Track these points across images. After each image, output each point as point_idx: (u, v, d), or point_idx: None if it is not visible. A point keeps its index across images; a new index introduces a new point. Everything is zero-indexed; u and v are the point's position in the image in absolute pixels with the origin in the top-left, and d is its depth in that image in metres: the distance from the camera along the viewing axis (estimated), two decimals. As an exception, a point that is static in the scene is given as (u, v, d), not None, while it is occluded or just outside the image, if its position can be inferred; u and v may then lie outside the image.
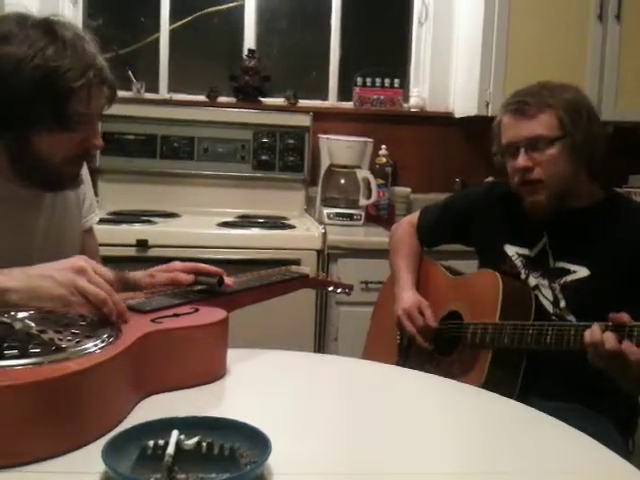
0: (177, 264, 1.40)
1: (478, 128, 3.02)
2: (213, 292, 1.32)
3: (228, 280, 1.36)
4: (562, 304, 1.62)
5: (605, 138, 1.65)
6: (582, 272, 1.61)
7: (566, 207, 1.65)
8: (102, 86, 1.30)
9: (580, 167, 1.63)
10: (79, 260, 1.11)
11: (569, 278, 1.62)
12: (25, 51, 1.20)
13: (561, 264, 1.64)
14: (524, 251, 1.70)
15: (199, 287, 1.34)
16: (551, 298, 1.64)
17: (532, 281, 1.67)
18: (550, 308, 1.63)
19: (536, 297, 1.64)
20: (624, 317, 1.36)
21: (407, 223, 2.00)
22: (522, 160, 1.61)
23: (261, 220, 2.85)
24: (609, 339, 1.35)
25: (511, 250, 1.72)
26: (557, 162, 1.60)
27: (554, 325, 1.52)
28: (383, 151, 3.18)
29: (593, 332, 1.37)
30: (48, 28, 1.25)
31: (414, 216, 2.01)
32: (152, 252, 2.42)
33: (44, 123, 1.25)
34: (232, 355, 1.19)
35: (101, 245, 1.69)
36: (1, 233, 1.33)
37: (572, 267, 1.62)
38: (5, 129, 1.25)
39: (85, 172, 1.47)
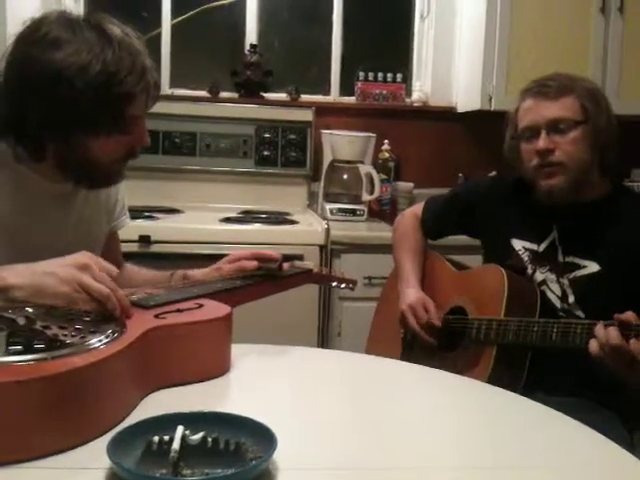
0: (240, 253, 1.49)
1: (481, 123, 3.03)
2: (273, 275, 1.43)
3: (285, 265, 1.47)
4: (571, 299, 1.61)
5: (618, 132, 1.64)
6: (592, 267, 1.60)
7: (576, 200, 1.64)
8: (155, 86, 1.31)
9: (595, 157, 1.62)
10: (83, 256, 1.10)
11: (579, 273, 1.61)
12: (85, 56, 1.20)
13: (571, 259, 1.63)
14: (532, 246, 1.69)
15: (261, 272, 1.43)
16: (559, 293, 1.63)
17: (539, 276, 1.66)
18: (557, 303, 1.63)
19: (543, 292, 1.64)
20: (629, 316, 1.36)
21: (411, 215, 1.98)
22: (543, 142, 1.59)
23: (264, 215, 2.85)
24: (613, 336, 1.35)
25: (518, 244, 1.71)
26: (578, 146, 1.59)
27: (559, 322, 1.51)
28: (386, 146, 3.17)
29: (604, 332, 1.37)
30: (100, 29, 1.24)
31: (418, 208, 1.99)
32: (155, 248, 2.42)
33: (102, 127, 1.25)
34: (236, 350, 1.18)
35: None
36: (35, 230, 1.33)
37: (582, 262, 1.61)
38: (61, 132, 1.25)
39: None
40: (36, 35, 1.23)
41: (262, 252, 1.48)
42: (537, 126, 1.61)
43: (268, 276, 1.43)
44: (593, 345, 1.38)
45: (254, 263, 1.44)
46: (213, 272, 1.47)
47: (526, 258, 1.69)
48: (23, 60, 1.23)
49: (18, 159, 1.28)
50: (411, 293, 1.77)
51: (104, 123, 1.25)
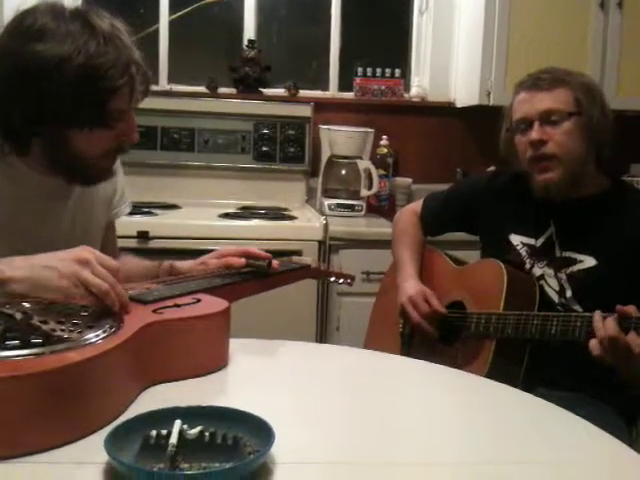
0: (227, 249, 1.46)
1: (480, 118, 3.03)
2: (263, 274, 1.41)
3: (275, 263, 1.42)
4: (568, 294, 1.61)
5: (613, 126, 1.64)
6: (589, 262, 1.60)
7: (573, 195, 1.64)
8: (141, 81, 1.29)
9: (590, 151, 1.62)
10: (83, 251, 1.10)
11: (576, 268, 1.61)
12: (67, 48, 1.18)
13: (568, 253, 1.63)
14: (529, 241, 1.69)
15: (248, 269, 1.41)
16: (557, 288, 1.63)
17: (537, 271, 1.66)
18: (556, 298, 1.63)
19: (541, 287, 1.64)
20: (630, 309, 1.36)
21: (410, 211, 1.99)
22: (536, 133, 1.60)
23: (262, 211, 2.85)
24: (611, 327, 1.35)
25: (516, 239, 1.71)
26: (571, 138, 1.59)
27: (559, 315, 1.51)
28: (384, 141, 3.17)
29: (602, 323, 1.37)
30: (85, 21, 1.22)
31: (417, 204, 2.00)
32: (153, 243, 2.42)
33: (84, 121, 1.23)
34: (234, 345, 1.18)
35: (102, 236, 1.68)
36: (28, 226, 1.32)
37: (579, 257, 1.61)
38: (44, 126, 1.24)
39: (117, 162, 1.46)
40: (21, 26, 1.22)
41: (251, 250, 1.45)
42: (530, 118, 1.61)
43: (257, 274, 1.41)
44: (593, 342, 1.38)
45: (242, 260, 1.42)
46: (198, 266, 1.45)
47: (524, 253, 1.69)
48: (6, 51, 1.22)
49: (8, 153, 1.28)
50: (411, 286, 1.77)
51: (86, 117, 1.23)
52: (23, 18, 1.23)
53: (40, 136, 1.26)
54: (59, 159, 1.28)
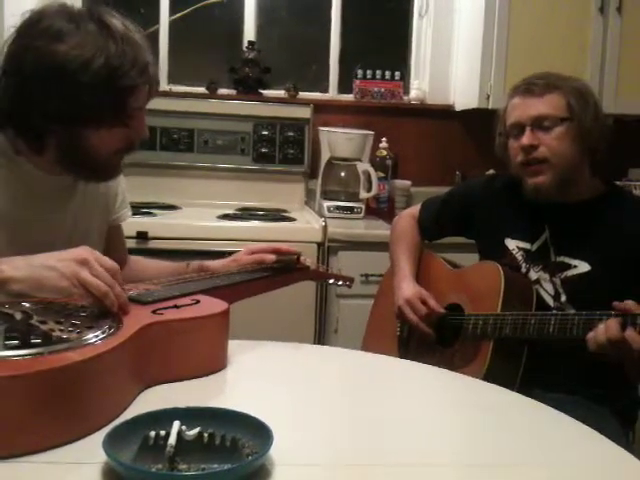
0: (259, 246, 1.54)
1: (479, 121, 3.01)
2: (291, 269, 1.49)
3: (303, 259, 1.50)
4: (563, 298, 1.62)
5: (608, 132, 1.64)
6: (583, 267, 1.61)
7: (567, 200, 1.65)
8: (156, 80, 1.31)
9: (584, 156, 1.63)
10: (83, 251, 1.10)
11: (570, 273, 1.62)
12: (89, 50, 1.19)
13: (562, 258, 1.64)
14: (525, 245, 1.70)
15: (277, 265, 1.48)
16: (552, 292, 1.64)
17: (533, 275, 1.67)
18: (551, 302, 1.63)
19: (537, 291, 1.64)
20: (629, 304, 1.37)
21: (408, 216, 1.99)
22: (527, 138, 1.61)
23: (261, 213, 2.85)
24: (610, 326, 1.36)
25: (512, 244, 1.72)
26: (562, 142, 1.60)
27: (556, 314, 1.52)
28: (383, 144, 3.17)
29: (604, 324, 1.38)
30: (100, 22, 1.23)
31: (415, 209, 2.00)
32: (152, 244, 2.42)
33: (104, 120, 1.25)
34: (233, 347, 1.18)
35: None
36: (34, 223, 1.33)
37: (573, 262, 1.62)
38: (61, 125, 1.25)
39: None
40: (38, 27, 1.22)
41: (281, 247, 1.52)
42: (522, 123, 1.62)
43: (283, 269, 1.48)
44: (590, 335, 1.39)
45: (273, 256, 1.48)
46: (231, 263, 1.51)
47: (520, 257, 1.70)
48: (26, 52, 1.22)
49: (17, 152, 1.28)
50: (407, 287, 1.77)
51: (106, 116, 1.25)
52: (39, 20, 1.23)
53: (57, 134, 1.26)
54: (72, 157, 1.29)
